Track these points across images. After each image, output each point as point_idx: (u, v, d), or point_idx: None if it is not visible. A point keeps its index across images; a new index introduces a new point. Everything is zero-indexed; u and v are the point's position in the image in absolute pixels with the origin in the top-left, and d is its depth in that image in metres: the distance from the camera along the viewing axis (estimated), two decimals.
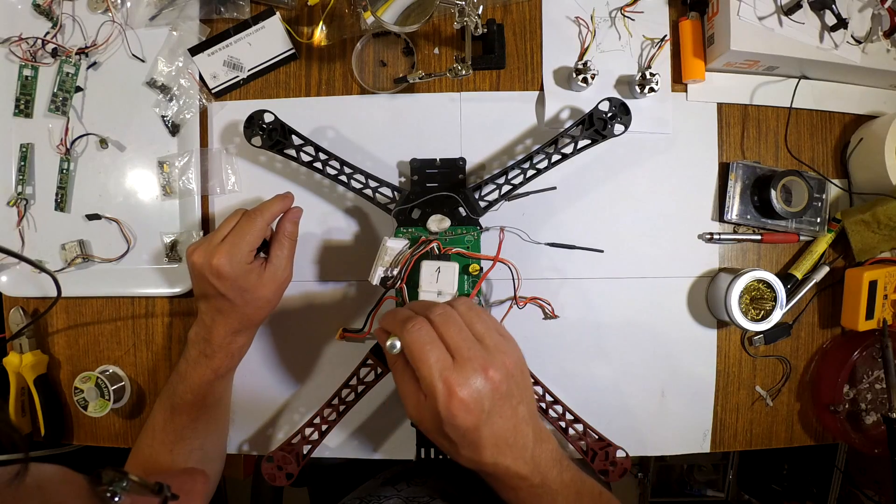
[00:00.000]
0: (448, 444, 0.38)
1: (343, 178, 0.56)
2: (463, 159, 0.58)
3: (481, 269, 0.52)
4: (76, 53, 0.60)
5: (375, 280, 0.51)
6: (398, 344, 0.38)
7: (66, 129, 0.61)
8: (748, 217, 0.59)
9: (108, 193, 0.62)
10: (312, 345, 0.62)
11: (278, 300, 0.54)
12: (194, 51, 0.60)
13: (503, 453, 0.38)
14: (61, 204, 0.62)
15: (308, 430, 0.55)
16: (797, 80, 0.59)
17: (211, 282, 0.49)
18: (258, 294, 0.51)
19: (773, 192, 0.57)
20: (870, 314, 0.57)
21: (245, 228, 0.50)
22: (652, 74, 0.56)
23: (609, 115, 0.54)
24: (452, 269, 0.50)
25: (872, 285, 0.57)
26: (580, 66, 0.56)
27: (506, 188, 0.55)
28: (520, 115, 0.60)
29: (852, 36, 0.55)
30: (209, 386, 0.52)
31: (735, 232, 0.60)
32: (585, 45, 0.59)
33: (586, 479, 0.44)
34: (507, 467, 0.38)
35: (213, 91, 0.61)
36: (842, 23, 0.53)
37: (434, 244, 0.52)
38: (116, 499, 0.26)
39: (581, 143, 0.55)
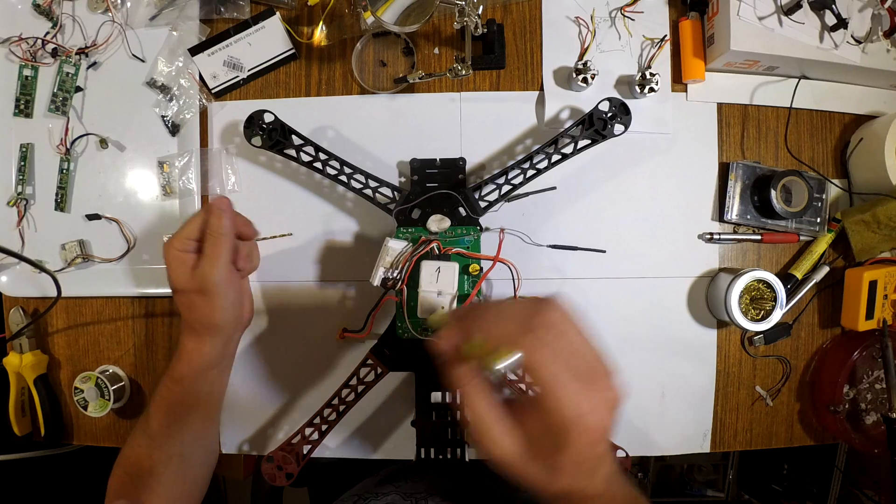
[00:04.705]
0: (545, 477, 0.33)
1: (343, 178, 0.56)
2: (463, 159, 0.58)
3: (481, 269, 0.52)
4: (76, 53, 0.60)
5: (376, 281, 0.51)
6: (515, 360, 0.30)
7: (66, 129, 0.61)
8: (748, 217, 0.59)
9: (108, 193, 0.62)
10: (312, 345, 0.62)
11: (204, 306, 0.48)
12: (194, 51, 0.60)
13: (592, 476, 0.34)
14: (61, 204, 0.62)
15: (308, 430, 0.55)
16: (797, 80, 0.59)
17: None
18: (179, 286, 0.48)
19: (773, 192, 0.57)
20: (870, 314, 0.57)
21: (188, 219, 0.49)
22: (652, 74, 0.56)
23: (609, 115, 0.54)
24: (452, 269, 0.50)
25: (872, 285, 0.57)
26: (580, 66, 0.56)
27: (506, 188, 0.55)
28: (520, 115, 0.60)
29: (852, 36, 0.55)
30: (170, 389, 0.51)
31: (735, 232, 0.60)
32: (585, 45, 0.59)
33: (633, 488, 0.40)
34: (587, 490, 0.35)
35: (213, 91, 0.61)
36: (842, 23, 0.53)
37: (434, 244, 0.52)
38: None
39: (581, 143, 0.55)
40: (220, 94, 0.62)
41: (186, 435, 0.52)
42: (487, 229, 0.58)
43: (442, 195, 0.55)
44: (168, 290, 0.61)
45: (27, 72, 0.61)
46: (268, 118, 0.55)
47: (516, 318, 0.32)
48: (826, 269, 0.60)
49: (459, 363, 0.33)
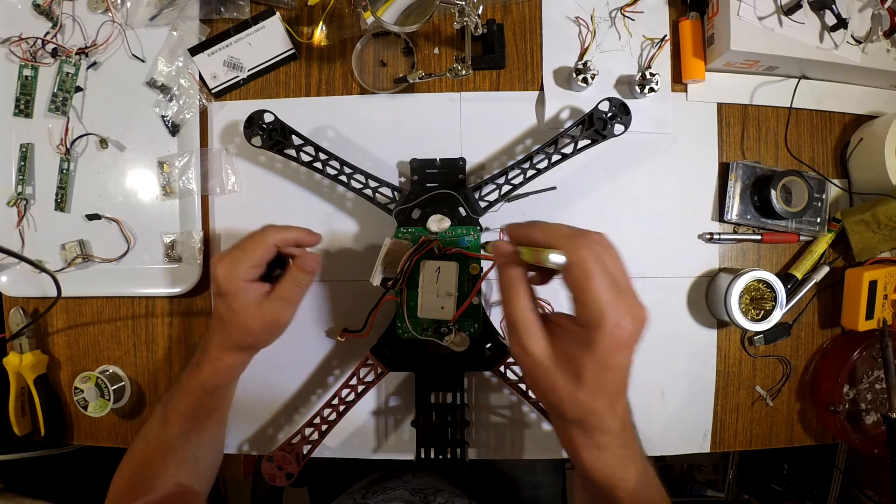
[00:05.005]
0: (567, 385, 0.35)
1: (343, 178, 0.56)
2: (463, 159, 0.58)
3: (481, 269, 0.52)
4: (76, 53, 0.60)
5: (376, 281, 0.51)
6: (561, 259, 0.34)
7: (66, 129, 0.61)
8: (748, 217, 0.59)
9: (108, 193, 0.62)
10: (312, 345, 0.62)
11: (268, 337, 0.49)
12: (194, 51, 0.60)
13: (610, 405, 0.35)
14: (61, 204, 0.62)
15: (308, 430, 0.55)
16: (797, 80, 0.59)
17: (213, 289, 0.47)
18: (244, 320, 0.47)
19: (773, 192, 0.57)
20: (870, 314, 0.57)
21: (250, 244, 0.47)
22: (652, 74, 0.56)
23: (609, 115, 0.54)
24: (452, 268, 0.50)
25: (872, 285, 0.57)
26: (580, 66, 0.56)
27: (506, 188, 0.55)
28: (520, 115, 0.60)
29: (852, 36, 0.55)
30: (197, 397, 0.50)
31: (735, 232, 0.60)
32: (585, 45, 0.59)
33: (642, 444, 0.41)
34: (607, 422, 0.36)
35: (213, 91, 0.61)
36: (842, 23, 0.53)
37: (434, 244, 0.52)
38: None
39: (581, 143, 0.55)
40: (220, 94, 0.62)
41: (203, 438, 0.52)
42: (487, 229, 0.58)
43: (442, 195, 0.55)
44: (167, 291, 0.61)
45: (27, 72, 0.61)
46: (268, 118, 0.55)
47: (564, 230, 0.36)
48: (826, 269, 0.60)
49: (512, 267, 0.37)
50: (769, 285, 0.56)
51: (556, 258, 0.34)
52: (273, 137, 0.55)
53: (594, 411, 0.35)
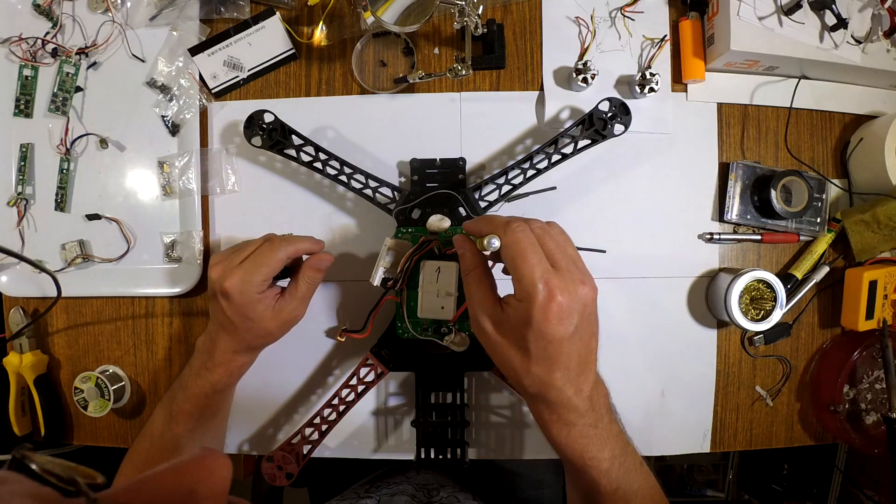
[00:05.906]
0: (519, 358, 0.38)
1: (343, 178, 0.56)
2: (463, 159, 0.58)
3: None
4: (76, 53, 0.60)
5: (376, 281, 0.51)
6: (497, 242, 0.39)
7: (66, 129, 0.61)
8: (748, 217, 0.59)
9: (108, 193, 0.62)
10: (312, 345, 0.62)
11: (282, 334, 0.52)
12: (194, 51, 0.60)
13: (570, 380, 0.38)
14: (61, 204, 0.62)
15: (308, 430, 0.55)
16: (797, 80, 0.59)
17: (220, 300, 0.48)
18: (261, 325, 0.49)
19: (773, 192, 0.57)
20: (870, 314, 0.57)
21: (263, 258, 0.48)
22: (652, 74, 0.56)
23: (609, 115, 0.54)
24: (452, 269, 0.50)
25: (872, 285, 0.57)
26: (580, 66, 0.56)
27: (506, 188, 0.55)
28: (520, 115, 0.60)
29: (852, 36, 0.55)
30: (207, 398, 0.51)
31: (735, 232, 0.60)
32: (585, 45, 0.59)
33: (629, 438, 0.43)
34: (569, 398, 0.38)
35: (213, 91, 0.61)
36: (842, 23, 0.53)
37: (434, 244, 0.52)
38: None
39: (581, 143, 0.55)
40: (220, 94, 0.61)
41: (207, 435, 0.53)
42: None
43: (442, 195, 0.55)
44: (167, 291, 0.61)
45: (27, 72, 0.61)
46: (268, 118, 0.55)
47: (502, 219, 0.40)
48: (826, 269, 0.60)
49: (468, 255, 0.42)
50: (769, 285, 0.56)
51: (491, 242, 0.39)
52: (273, 137, 0.55)
53: (552, 385, 0.37)
